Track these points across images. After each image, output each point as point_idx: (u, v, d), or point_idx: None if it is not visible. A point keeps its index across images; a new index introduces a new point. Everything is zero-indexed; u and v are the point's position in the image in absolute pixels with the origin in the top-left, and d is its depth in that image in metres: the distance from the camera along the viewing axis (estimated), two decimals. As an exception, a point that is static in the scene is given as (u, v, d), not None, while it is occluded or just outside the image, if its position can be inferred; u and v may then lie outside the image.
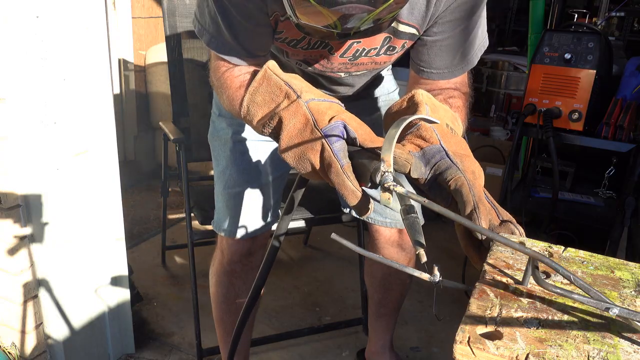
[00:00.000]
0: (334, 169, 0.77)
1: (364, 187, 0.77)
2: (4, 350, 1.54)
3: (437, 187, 0.77)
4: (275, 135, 0.86)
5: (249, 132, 1.30)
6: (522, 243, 0.65)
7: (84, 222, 1.56)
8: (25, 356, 1.54)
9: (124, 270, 1.73)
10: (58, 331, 1.58)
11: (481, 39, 1.06)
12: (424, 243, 0.63)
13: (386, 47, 1.06)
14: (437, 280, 0.57)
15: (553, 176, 1.95)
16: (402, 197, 0.69)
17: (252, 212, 1.34)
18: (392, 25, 0.99)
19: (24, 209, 1.40)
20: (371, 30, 0.82)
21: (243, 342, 1.49)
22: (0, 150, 1.33)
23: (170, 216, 2.85)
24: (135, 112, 3.20)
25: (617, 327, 0.51)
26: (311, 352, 1.90)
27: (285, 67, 1.00)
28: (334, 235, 0.60)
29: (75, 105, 1.45)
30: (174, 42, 1.96)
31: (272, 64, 0.89)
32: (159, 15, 2.83)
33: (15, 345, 1.54)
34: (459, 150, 0.79)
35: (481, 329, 0.50)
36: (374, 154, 0.78)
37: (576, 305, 0.54)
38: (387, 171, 0.69)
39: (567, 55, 1.90)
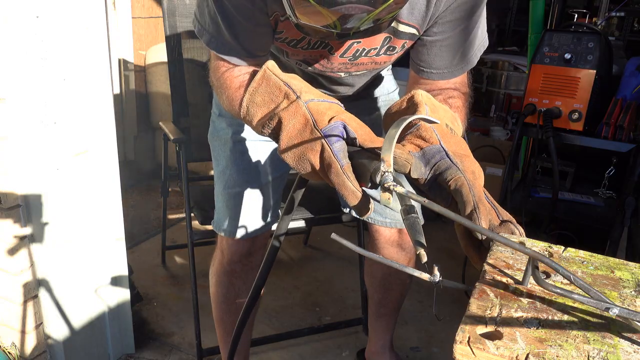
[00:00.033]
0: (334, 169, 0.77)
1: (364, 187, 0.77)
2: (4, 350, 1.54)
3: (437, 187, 0.77)
4: (275, 135, 0.86)
5: (248, 132, 1.30)
6: (522, 243, 0.65)
7: (84, 222, 1.56)
8: (25, 356, 1.54)
9: (124, 270, 1.73)
10: (58, 331, 1.58)
11: (481, 39, 1.06)
12: (425, 243, 0.63)
13: (386, 47, 1.06)
14: (437, 280, 0.58)
15: (553, 176, 1.95)
16: (402, 197, 0.69)
17: (252, 212, 1.34)
18: (392, 25, 0.99)
19: (24, 209, 1.40)
20: (371, 30, 0.82)
21: (243, 342, 1.49)
22: (0, 150, 1.33)
23: (170, 216, 2.85)
24: (135, 112, 3.20)
25: (617, 327, 0.51)
26: (311, 352, 1.90)
27: (285, 67, 1.00)
28: (334, 235, 0.60)
29: (75, 105, 1.45)
30: (174, 42, 1.96)
31: (271, 64, 0.89)
32: (159, 15, 2.83)
33: (15, 345, 1.54)
34: (458, 151, 0.79)
35: (481, 329, 0.50)
36: (374, 154, 0.78)
37: (576, 305, 0.54)
38: (387, 171, 0.69)
39: (567, 55, 1.90)
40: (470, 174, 0.75)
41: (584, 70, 1.88)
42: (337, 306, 2.19)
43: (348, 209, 1.61)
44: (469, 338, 0.48)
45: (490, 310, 0.53)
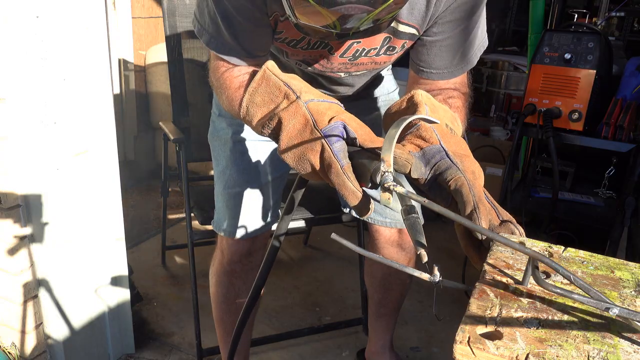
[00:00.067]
0: (334, 170, 0.77)
1: (364, 187, 0.77)
2: (4, 350, 1.54)
3: (437, 187, 0.77)
4: (275, 135, 0.86)
5: (248, 132, 1.30)
6: (522, 243, 0.65)
7: (84, 222, 1.56)
8: (25, 356, 1.54)
9: (124, 270, 1.73)
10: (58, 331, 1.58)
11: (481, 39, 1.06)
12: (425, 243, 0.63)
13: (386, 47, 1.06)
14: (437, 280, 0.58)
15: (553, 176, 1.95)
16: (402, 197, 0.69)
17: (252, 212, 1.34)
18: (392, 25, 0.99)
19: (24, 209, 1.40)
20: (370, 30, 0.82)
21: (243, 342, 1.49)
22: (0, 150, 1.33)
23: (170, 216, 2.85)
24: (135, 112, 3.20)
25: (617, 327, 0.51)
26: (311, 352, 1.90)
27: (284, 67, 1.00)
28: (334, 235, 0.60)
29: (75, 105, 1.45)
30: (174, 42, 1.96)
31: (271, 64, 0.89)
32: (159, 15, 2.83)
33: (15, 345, 1.54)
34: (458, 151, 0.79)
35: (481, 329, 0.50)
36: (374, 154, 0.78)
37: (576, 305, 0.54)
38: (387, 171, 0.69)
39: (567, 55, 1.90)
40: (470, 174, 0.75)
41: (584, 70, 1.88)
42: (337, 306, 2.19)
43: (348, 209, 1.61)
44: (469, 338, 0.48)
45: (490, 310, 0.53)
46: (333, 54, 1.07)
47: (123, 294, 1.75)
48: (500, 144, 3.00)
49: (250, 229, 1.35)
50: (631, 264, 0.62)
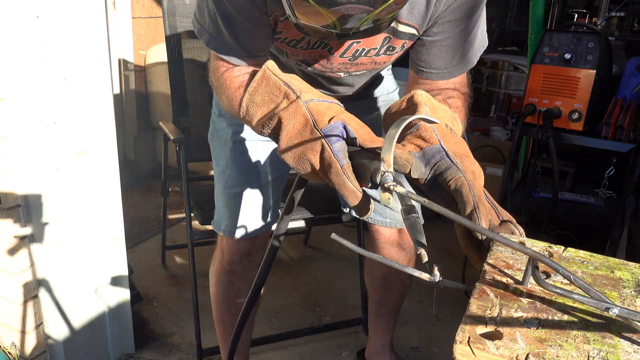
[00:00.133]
0: (334, 170, 0.77)
1: (364, 187, 0.77)
2: (4, 350, 1.54)
3: (437, 187, 0.77)
4: (275, 135, 0.86)
5: (248, 132, 1.30)
6: (522, 243, 0.65)
7: (84, 222, 1.56)
8: (25, 356, 1.54)
9: (124, 270, 1.73)
10: (58, 331, 1.58)
11: (480, 39, 1.06)
12: (425, 243, 0.63)
13: (386, 47, 1.06)
14: (437, 280, 0.58)
15: (553, 176, 1.95)
16: (402, 197, 0.69)
17: (251, 212, 1.34)
18: (392, 25, 0.99)
19: (24, 209, 1.40)
20: (370, 30, 0.82)
21: (243, 342, 1.49)
22: (0, 150, 1.33)
23: (170, 216, 2.85)
24: (135, 112, 3.20)
25: (617, 327, 0.51)
26: (311, 352, 1.90)
27: (284, 67, 1.00)
28: (334, 235, 0.60)
29: (75, 105, 1.45)
30: (174, 42, 1.96)
31: (270, 64, 0.89)
32: (159, 15, 2.83)
33: (15, 345, 1.54)
34: (458, 151, 0.79)
35: (481, 329, 0.50)
36: (374, 154, 0.78)
37: (576, 305, 0.54)
38: (387, 171, 0.69)
39: (567, 55, 1.90)
40: (470, 174, 0.75)
41: (584, 70, 1.88)
42: (337, 306, 2.19)
43: (348, 209, 1.61)
44: (469, 338, 0.48)
45: (490, 310, 0.53)
46: (333, 54, 1.07)
47: (123, 294, 1.75)
48: (500, 144, 3.00)
49: (250, 228, 1.35)
50: (631, 264, 0.62)
